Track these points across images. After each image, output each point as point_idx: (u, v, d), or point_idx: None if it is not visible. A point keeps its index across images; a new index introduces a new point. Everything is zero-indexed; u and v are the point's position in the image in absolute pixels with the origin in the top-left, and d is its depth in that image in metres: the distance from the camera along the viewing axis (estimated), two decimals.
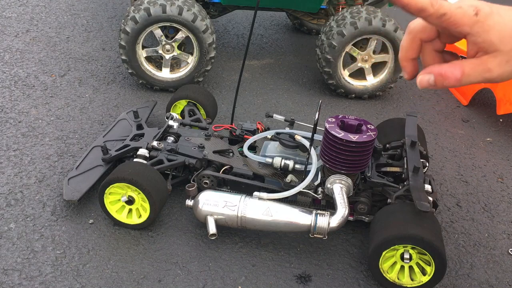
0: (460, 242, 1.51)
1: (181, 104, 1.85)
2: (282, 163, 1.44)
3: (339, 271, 1.35)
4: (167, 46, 2.14)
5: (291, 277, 1.31)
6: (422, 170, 1.32)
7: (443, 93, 2.51)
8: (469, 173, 1.85)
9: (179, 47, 2.17)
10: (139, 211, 1.40)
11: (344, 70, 2.27)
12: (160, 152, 1.51)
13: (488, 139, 2.10)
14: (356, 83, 2.31)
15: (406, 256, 1.22)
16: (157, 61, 2.24)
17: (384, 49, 2.26)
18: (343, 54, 2.20)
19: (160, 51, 2.16)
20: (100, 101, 2.11)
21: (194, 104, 1.83)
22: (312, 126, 1.35)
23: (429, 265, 1.23)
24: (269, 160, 1.46)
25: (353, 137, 1.27)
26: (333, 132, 1.28)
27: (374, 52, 2.25)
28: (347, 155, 1.28)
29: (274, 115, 1.66)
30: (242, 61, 2.69)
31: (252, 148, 1.58)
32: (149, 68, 2.17)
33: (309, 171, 1.37)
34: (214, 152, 1.52)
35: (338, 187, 1.32)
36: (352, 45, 2.20)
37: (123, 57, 2.10)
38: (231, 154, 1.56)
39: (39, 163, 1.66)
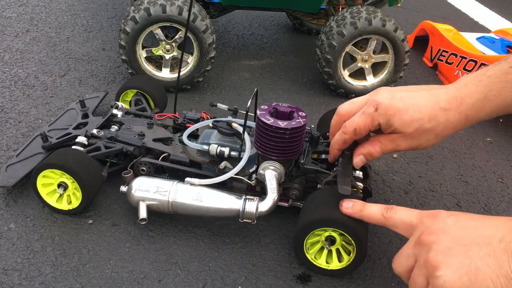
0: None
1: (130, 94, 1.88)
2: (218, 150, 1.46)
3: None
4: (167, 46, 2.14)
5: (291, 277, 1.31)
6: (351, 156, 1.31)
7: None
8: (469, 173, 1.85)
9: (179, 47, 2.17)
10: (70, 197, 1.42)
11: (344, 70, 2.27)
12: (99, 140, 1.52)
13: (488, 139, 2.10)
14: (356, 83, 2.31)
15: (330, 239, 1.24)
16: (157, 61, 2.24)
17: (384, 49, 2.26)
18: (343, 54, 2.20)
19: (160, 51, 2.16)
20: None
21: (142, 95, 1.85)
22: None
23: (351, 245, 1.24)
24: (206, 147, 1.48)
25: (282, 124, 1.28)
26: (263, 119, 1.31)
27: (374, 52, 2.25)
28: (277, 141, 1.30)
29: (218, 104, 1.67)
30: (242, 61, 2.69)
31: (195, 136, 1.60)
32: (149, 68, 2.17)
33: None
34: (154, 140, 1.54)
35: (269, 173, 1.35)
36: (352, 45, 2.20)
37: (123, 57, 2.11)
38: (171, 142, 1.57)
39: None
